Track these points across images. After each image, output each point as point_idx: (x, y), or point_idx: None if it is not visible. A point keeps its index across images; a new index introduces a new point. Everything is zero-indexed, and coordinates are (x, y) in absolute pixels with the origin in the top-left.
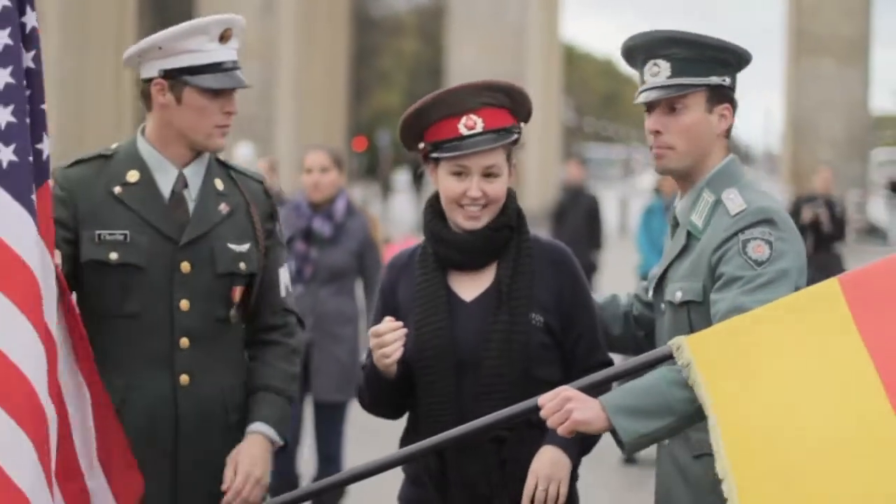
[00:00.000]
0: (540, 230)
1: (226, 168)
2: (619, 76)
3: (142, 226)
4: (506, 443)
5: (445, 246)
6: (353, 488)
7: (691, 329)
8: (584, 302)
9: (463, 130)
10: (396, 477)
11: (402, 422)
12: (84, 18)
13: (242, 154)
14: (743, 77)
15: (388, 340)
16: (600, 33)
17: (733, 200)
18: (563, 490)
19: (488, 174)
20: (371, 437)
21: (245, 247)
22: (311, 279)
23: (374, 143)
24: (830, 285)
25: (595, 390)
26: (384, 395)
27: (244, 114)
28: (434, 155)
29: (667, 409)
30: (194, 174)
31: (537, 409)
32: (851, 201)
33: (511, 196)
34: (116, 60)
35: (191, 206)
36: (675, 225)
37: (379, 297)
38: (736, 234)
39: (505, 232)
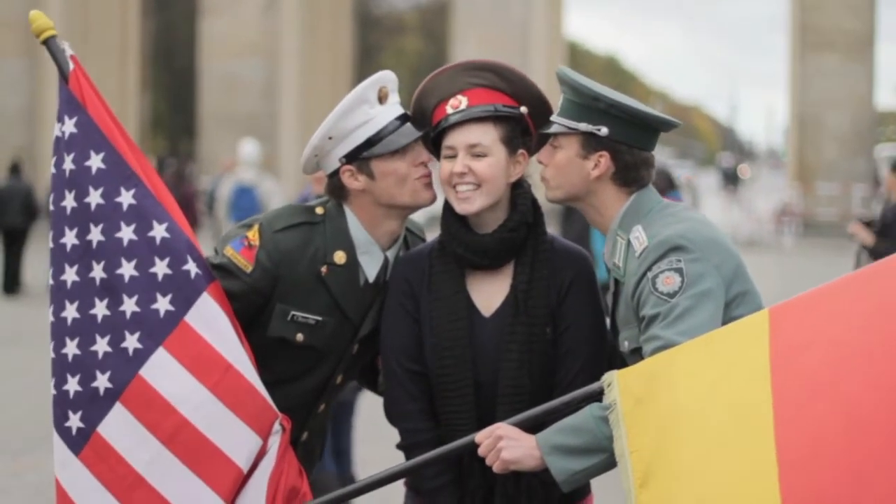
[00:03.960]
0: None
1: (407, 231)
2: (623, 73)
3: (333, 309)
4: None
5: (463, 247)
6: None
7: None
8: (577, 307)
9: (449, 111)
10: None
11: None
12: (86, 19)
13: (247, 151)
14: (746, 73)
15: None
16: (603, 30)
17: (637, 239)
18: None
19: (475, 153)
20: (376, 430)
21: None
22: None
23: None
24: (760, 318)
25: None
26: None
27: (248, 111)
28: (431, 140)
29: (597, 447)
30: (392, 255)
31: (475, 445)
32: (857, 197)
33: (525, 189)
34: (119, 61)
35: (380, 286)
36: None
37: (393, 291)
38: (644, 273)
39: (522, 231)
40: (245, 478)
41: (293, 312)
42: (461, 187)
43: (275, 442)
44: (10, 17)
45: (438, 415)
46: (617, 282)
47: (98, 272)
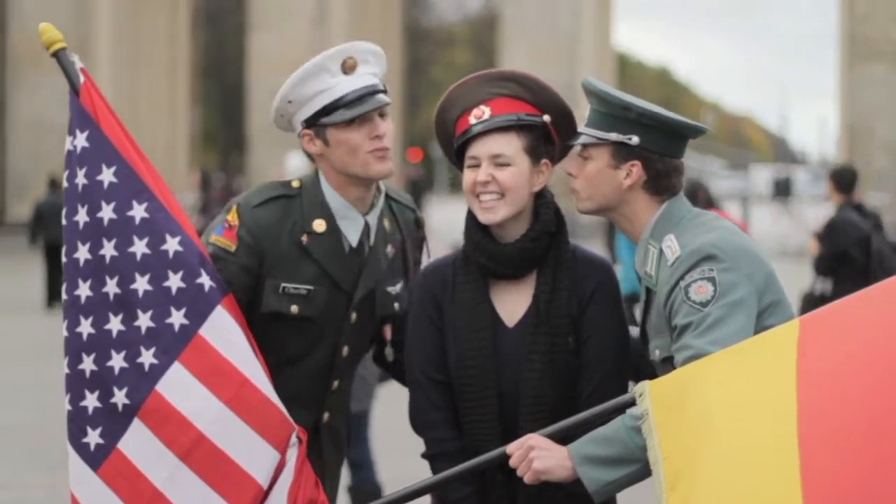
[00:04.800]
0: (594, 242)
1: (388, 200)
2: (675, 84)
3: (322, 278)
4: None
5: (486, 257)
6: None
7: None
8: (604, 321)
9: (472, 121)
10: None
11: (388, 419)
12: (137, 34)
13: (294, 165)
14: (798, 84)
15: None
16: (652, 42)
17: (670, 248)
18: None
19: (498, 163)
20: (388, 435)
21: (398, 286)
22: None
23: (429, 154)
24: (791, 328)
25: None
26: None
27: None
28: (455, 152)
29: (629, 457)
30: (374, 219)
31: (506, 457)
32: None
33: (547, 199)
34: (169, 74)
35: (365, 253)
36: (639, 279)
37: (417, 301)
38: (677, 282)
39: (544, 240)
40: (265, 494)
41: (283, 284)
42: (485, 197)
43: (292, 455)
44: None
45: (462, 425)
46: (648, 290)
47: (112, 287)
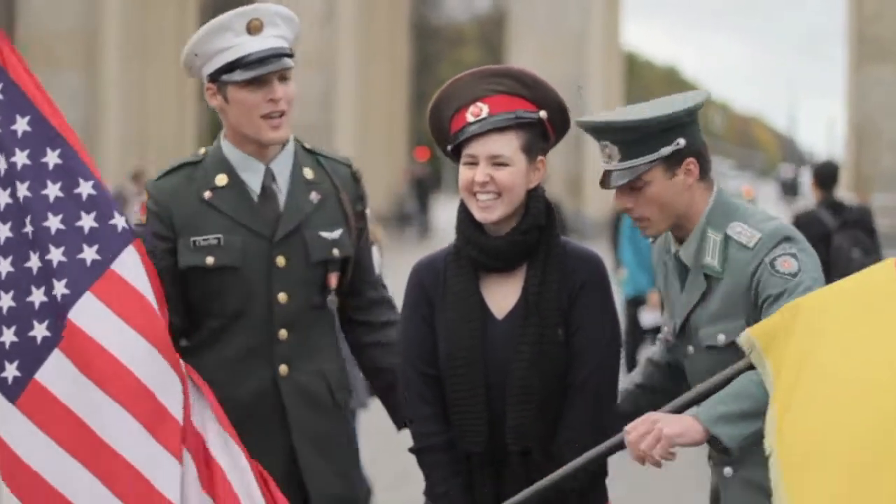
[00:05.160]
0: (599, 241)
1: (314, 155)
2: (683, 83)
3: (234, 227)
4: (532, 453)
5: (477, 250)
6: None
7: None
8: (589, 307)
9: (469, 118)
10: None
11: (387, 420)
12: (145, 30)
13: None
14: (806, 84)
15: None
16: (660, 41)
17: (743, 233)
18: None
19: (497, 162)
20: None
21: (337, 233)
22: None
23: (437, 153)
24: (886, 266)
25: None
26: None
27: (305, 123)
28: (449, 148)
29: (761, 409)
30: (282, 167)
31: (623, 444)
32: None
33: (538, 193)
34: (178, 69)
35: (281, 199)
36: (683, 270)
37: (408, 295)
38: (761, 261)
39: (534, 234)
40: (181, 428)
41: (193, 239)
42: (482, 196)
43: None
44: (65, 29)
45: (450, 416)
46: (706, 278)
47: (28, 227)
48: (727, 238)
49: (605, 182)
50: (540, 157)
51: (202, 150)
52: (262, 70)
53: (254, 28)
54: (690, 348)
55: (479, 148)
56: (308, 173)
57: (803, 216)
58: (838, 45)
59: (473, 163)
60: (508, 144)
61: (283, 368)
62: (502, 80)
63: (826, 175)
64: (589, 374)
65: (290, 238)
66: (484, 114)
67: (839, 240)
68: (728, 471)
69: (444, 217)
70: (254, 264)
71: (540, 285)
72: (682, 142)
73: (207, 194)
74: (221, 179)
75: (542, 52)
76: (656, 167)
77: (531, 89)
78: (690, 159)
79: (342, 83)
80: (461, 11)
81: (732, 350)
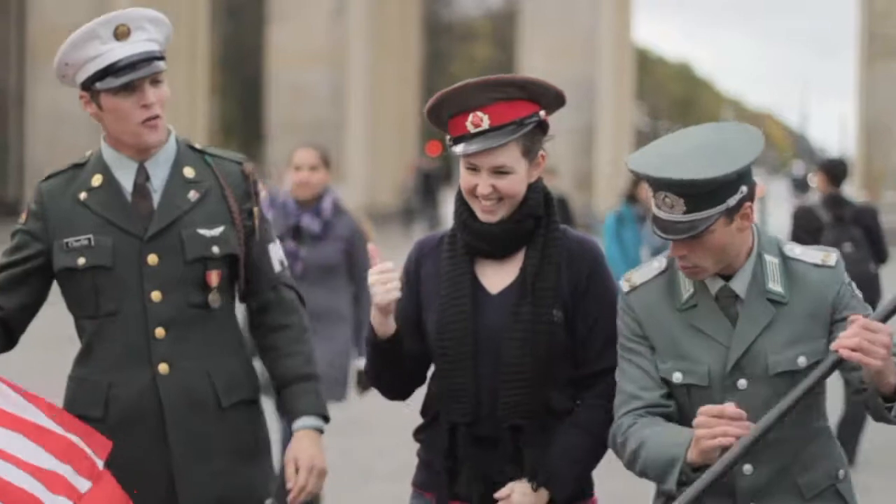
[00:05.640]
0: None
1: (201, 154)
2: (695, 80)
3: (105, 227)
4: (523, 431)
5: (472, 235)
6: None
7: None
8: (602, 296)
9: (470, 128)
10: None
11: (391, 415)
12: None
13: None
14: (819, 81)
15: (392, 277)
16: (672, 38)
17: (808, 252)
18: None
19: (499, 171)
20: (357, 428)
21: (218, 230)
22: (301, 277)
23: (448, 148)
24: None
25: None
26: (382, 362)
27: (315, 119)
28: (452, 148)
29: None
30: (158, 166)
31: (840, 360)
32: None
33: (537, 185)
34: (189, 68)
35: (156, 198)
36: (729, 305)
37: (403, 274)
38: (843, 282)
39: (529, 223)
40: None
41: (65, 240)
42: (485, 202)
43: None
44: (75, 24)
45: (438, 391)
46: (772, 303)
47: None
48: (786, 259)
49: (665, 229)
50: (541, 153)
51: (88, 153)
52: (133, 76)
53: (121, 34)
54: (742, 382)
55: (481, 160)
56: (189, 172)
57: (801, 210)
58: (850, 42)
59: (475, 169)
60: (510, 155)
61: (162, 367)
62: (504, 88)
63: (833, 171)
64: (610, 365)
65: (162, 236)
66: (485, 124)
67: (831, 234)
68: (748, 468)
69: (453, 211)
70: (125, 263)
71: (539, 265)
72: (745, 189)
73: (83, 195)
74: (97, 180)
75: (554, 48)
76: (718, 219)
77: (527, 88)
78: (748, 203)
79: (353, 79)
80: (473, 7)
81: (801, 373)
